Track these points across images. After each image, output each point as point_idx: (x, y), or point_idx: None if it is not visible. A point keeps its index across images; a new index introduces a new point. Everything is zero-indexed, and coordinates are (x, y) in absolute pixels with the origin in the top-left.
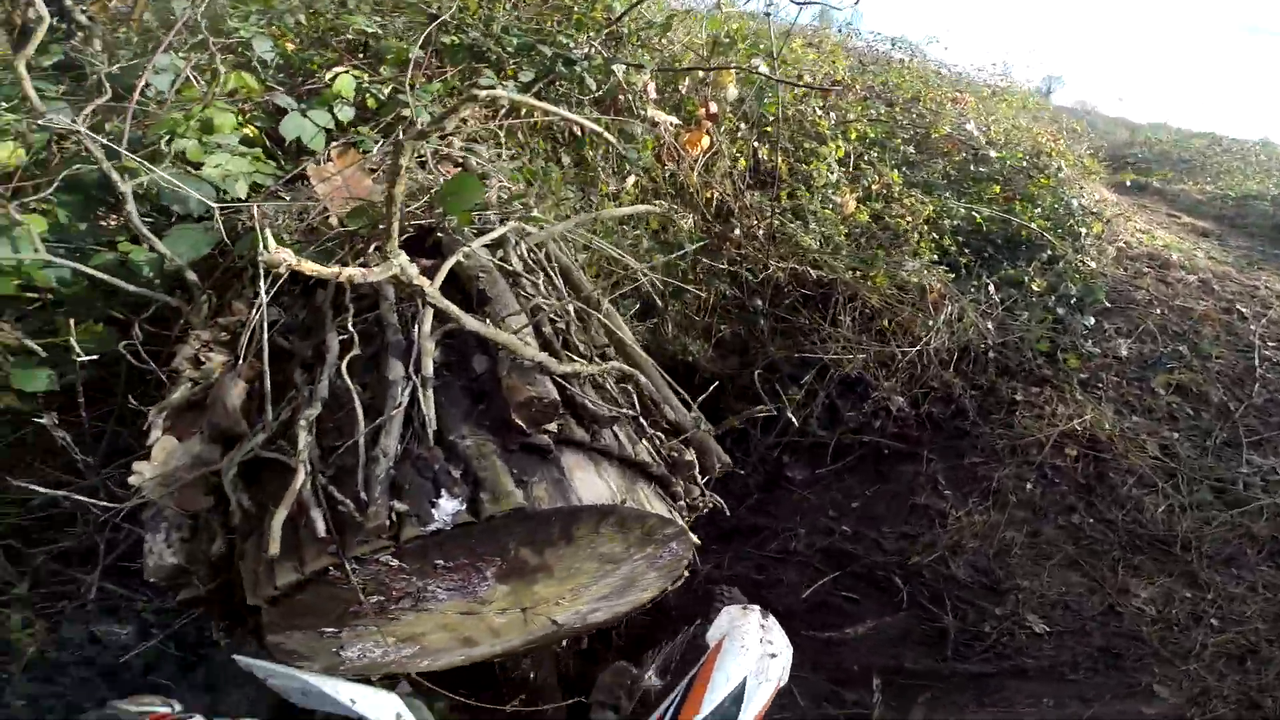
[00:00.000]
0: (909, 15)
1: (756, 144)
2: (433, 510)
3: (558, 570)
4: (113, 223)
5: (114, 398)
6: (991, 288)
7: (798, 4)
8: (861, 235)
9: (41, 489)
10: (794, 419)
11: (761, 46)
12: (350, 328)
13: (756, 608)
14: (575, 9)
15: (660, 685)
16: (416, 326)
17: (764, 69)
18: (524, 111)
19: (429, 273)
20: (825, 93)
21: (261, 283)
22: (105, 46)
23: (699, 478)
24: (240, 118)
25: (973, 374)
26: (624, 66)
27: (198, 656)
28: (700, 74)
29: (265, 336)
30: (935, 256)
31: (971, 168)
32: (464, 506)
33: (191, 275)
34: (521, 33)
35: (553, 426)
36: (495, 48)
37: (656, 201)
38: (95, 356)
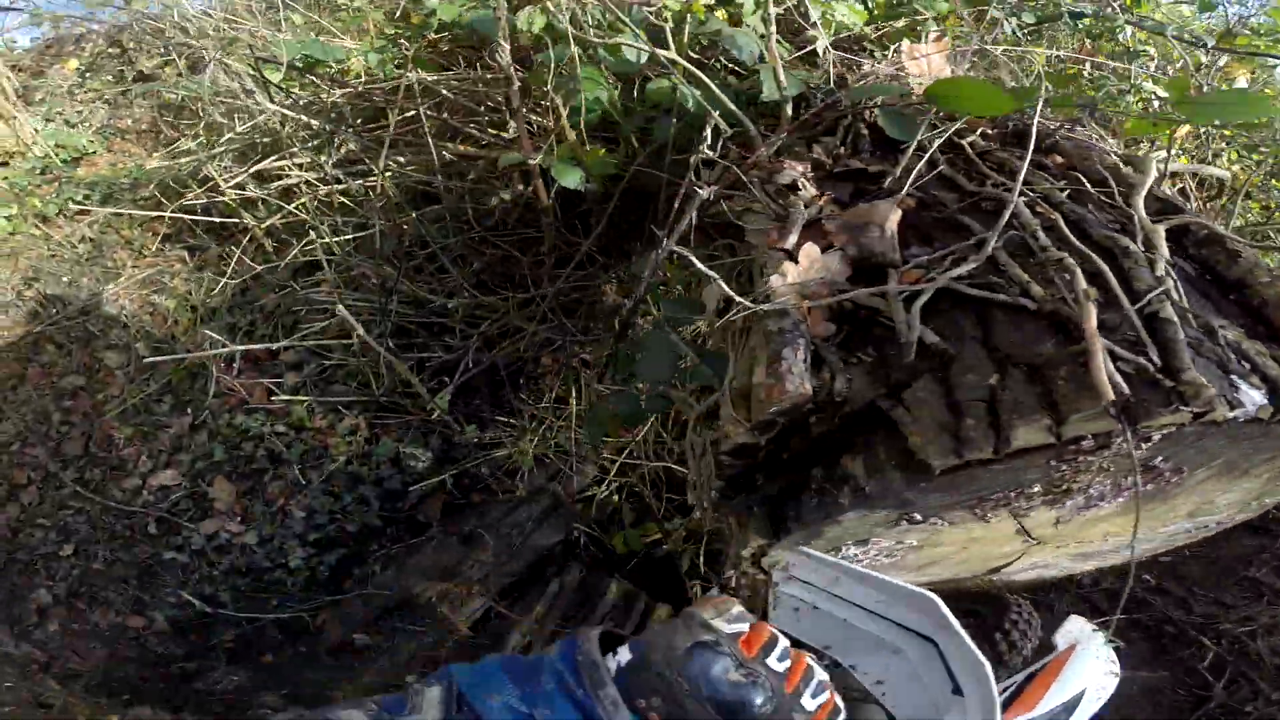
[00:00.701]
0: None
1: (1225, 146)
2: (1237, 394)
3: (1162, 508)
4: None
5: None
6: None
7: None
8: None
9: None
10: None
11: None
12: (1026, 191)
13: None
14: None
15: None
16: (1133, 210)
17: None
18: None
19: (1092, 173)
20: None
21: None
22: None
23: None
24: None
25: None
26: (1135, 29)
27: (466, 501)
28: (1206, 59)
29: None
30: None
31: None
32: (1267, 400)
33: (788, 111)
34: None
35: None
36: None
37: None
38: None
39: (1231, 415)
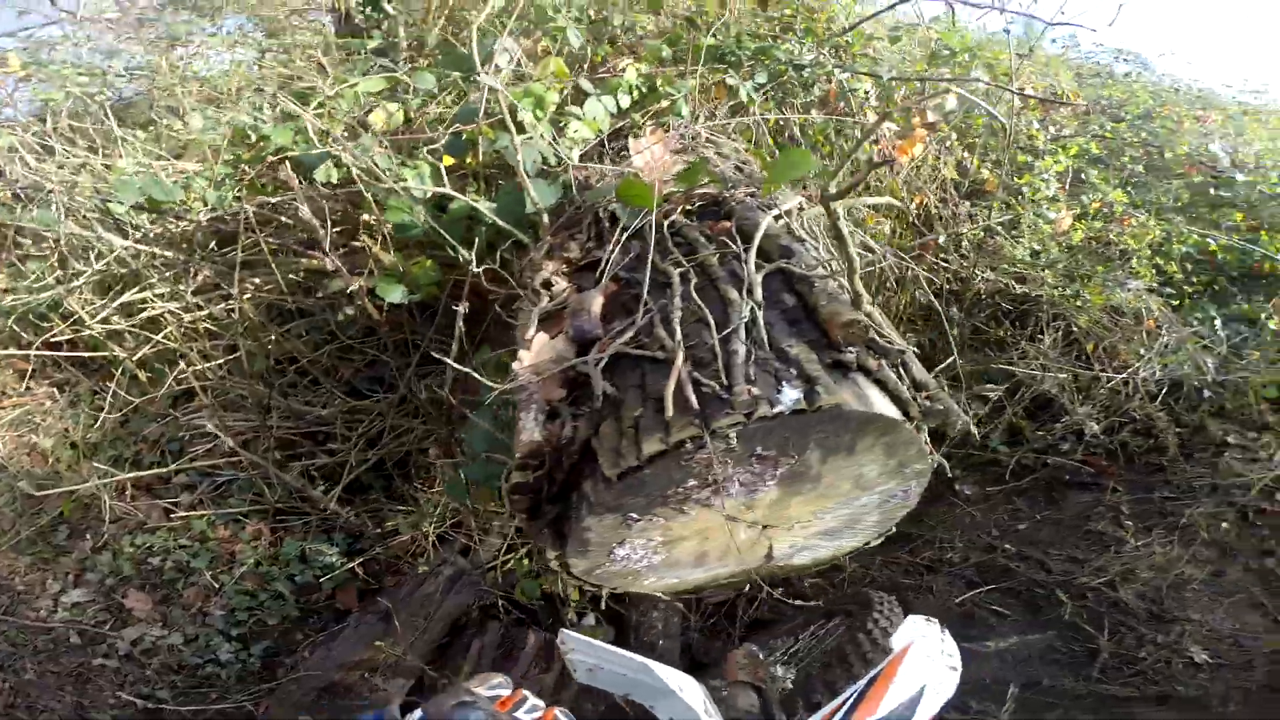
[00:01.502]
0: (1139, 26)
1: (966, 154)
2: (779, 395)
3: (822, 484)
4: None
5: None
6: (1219, 322)
7: (1048, 24)
8: (1077, 253)
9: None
10: (975, 433)
11: (980, 58)
12: (683, 262)
13: (936, 620)
14: (798, 20)
15: (785, 676)
16: (744, 264)
17: (984, 80)
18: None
19: (744, 232)
20: (1048, 107)
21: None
22: (408, 32)
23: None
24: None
25: (1181, 410)
26: (845, 73)
27: (380, 585)
28: (918, 82)
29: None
30: (1157, 283)
31: (1211, 191)
32: (802, 395)
33: (545, 219)
34: (755, 39)
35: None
36: (736, 50)
37: (886, 198)
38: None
39: (775, 411)
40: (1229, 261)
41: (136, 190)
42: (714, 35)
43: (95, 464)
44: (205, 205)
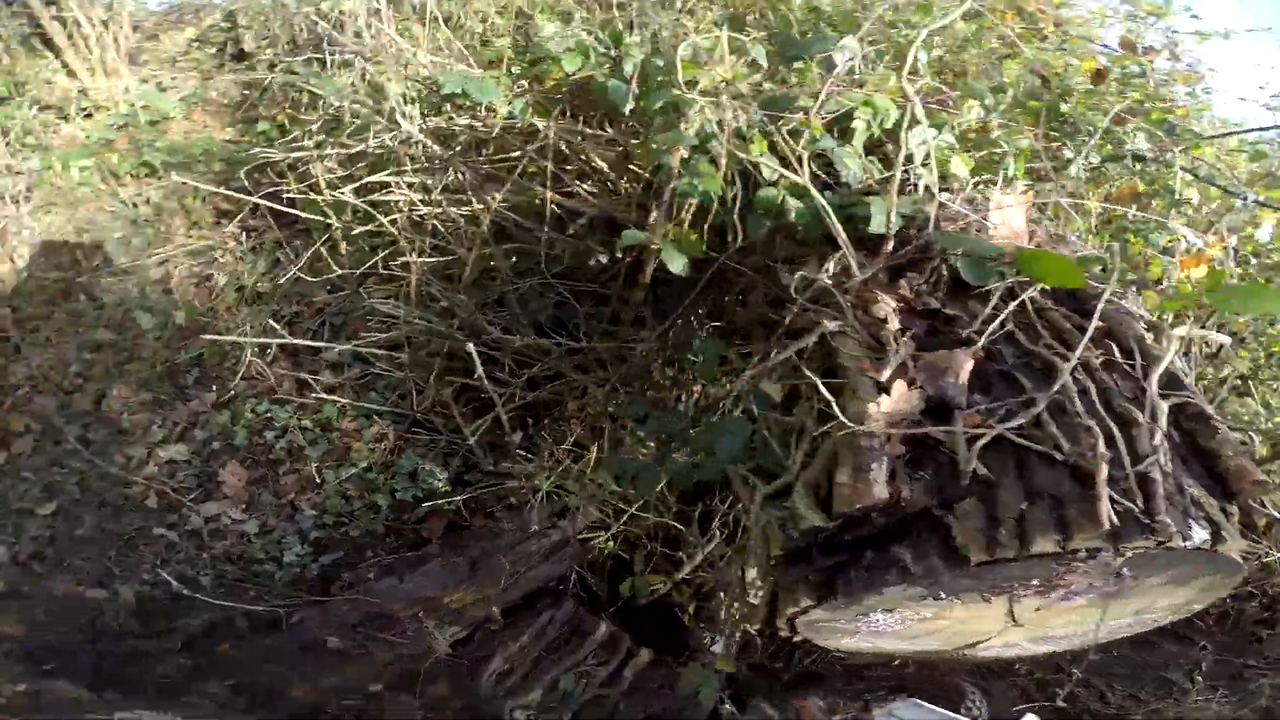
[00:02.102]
0: None
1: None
2: (1190, 532)
3: (1118, 605)
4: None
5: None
6: None
7: None
8: None
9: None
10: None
11: None
12: (1069, 356)
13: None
14: (1147, 106)
15: None
16: (1145, 386)
17: None
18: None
19: (1125, 341)
20: None
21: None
22: None
23: None
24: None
25: None
26: (1190, 176)
27: (469, 524)
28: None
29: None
30: None
31: None
32: (1209, 537)
33: (889, 247)
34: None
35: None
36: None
37: None
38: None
39: (1184, 544)
40: None
41: (459, 81)
42: (1065, 100)
43: (256, 312)
44: (503, 113)
